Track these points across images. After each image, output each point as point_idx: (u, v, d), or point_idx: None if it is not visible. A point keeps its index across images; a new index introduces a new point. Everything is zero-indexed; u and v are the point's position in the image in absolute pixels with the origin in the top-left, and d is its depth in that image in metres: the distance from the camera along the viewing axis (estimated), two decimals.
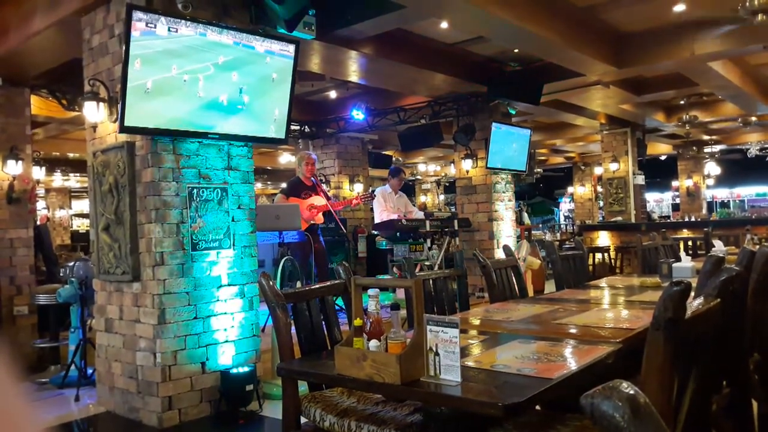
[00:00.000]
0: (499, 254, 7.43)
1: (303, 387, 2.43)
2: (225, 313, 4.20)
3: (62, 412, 4.36)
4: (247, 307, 4.34)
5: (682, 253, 4.76)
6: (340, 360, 1.95)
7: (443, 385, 1.75)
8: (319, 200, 6.39)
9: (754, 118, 11.55)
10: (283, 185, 6.95)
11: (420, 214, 7.21)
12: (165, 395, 3.87)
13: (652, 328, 1.38)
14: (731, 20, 6.22)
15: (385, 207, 7.31)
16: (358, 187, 10.13)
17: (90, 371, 4.83)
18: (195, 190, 4.09)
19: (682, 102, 10.49)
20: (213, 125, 4.08)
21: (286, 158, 12.76)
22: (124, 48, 3.68)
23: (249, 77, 4.24)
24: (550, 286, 7.17)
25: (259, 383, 4.24)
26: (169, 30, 3.79)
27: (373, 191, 7.33)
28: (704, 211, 15.44)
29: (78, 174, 13.94)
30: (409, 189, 19.88)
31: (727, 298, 1.74)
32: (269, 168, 14.88)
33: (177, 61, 3.86)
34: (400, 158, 14.74)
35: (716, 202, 21.65)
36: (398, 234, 6.67)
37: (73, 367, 4.89)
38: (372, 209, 8.38)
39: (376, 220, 7.45)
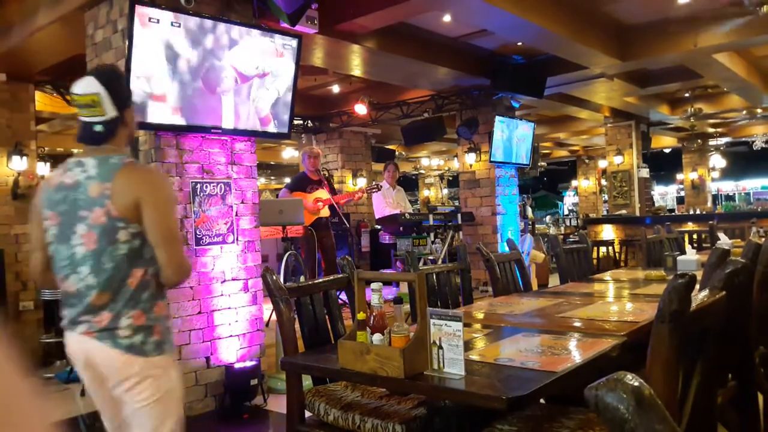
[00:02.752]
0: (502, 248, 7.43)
1: (307, 381, 2.43)
2: (229, 308, 4.21)
3: (68, 408, 4.39)
4: (250, 301, 4.35)
5: (687, 246, 4.74)
6: (343, 354, 1.95)
7: (447, 378, 1.75)
8: (324, 194, 6.38)
9: (759, 111, 11.48)
10: (287, 180, 6.95)
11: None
12: None
13: (656, 320, 1.38)
14: (736, 12, 6.18)
15: (386, 203, 7.32)
16: (361, 182, 10.12)
17: None
18: (198, 185, 4.10)
19: (686, 94, 10.43)
20: (216, 120, 4.08)
21: (289, 153, 12.75)
22: (127, 43, 3.68)
23: (251, 70, 4.23)
24: (554, 280, 7.16)
25: (264, 377, 4.25)
26: (172, 25, 3.78)
27: (378, 184, 7.32)
28: (709, 204, 15.38)
29: None
30: (413, 183, 19.87)
31: (733, 291, 1.73)
32: (272, 163, 14.86)
33: (180, 56, 3.85)
34: (404, 152, 14.72)
35: (721, 194, 21.57)
36: (401, 228, 6.67)
37: None
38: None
39: (377, 216, 7.45)
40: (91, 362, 1.89)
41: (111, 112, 1.93)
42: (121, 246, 1.86)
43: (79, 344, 1.92)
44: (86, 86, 1.92)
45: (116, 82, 2.00)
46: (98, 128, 1.92)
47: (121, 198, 1.85)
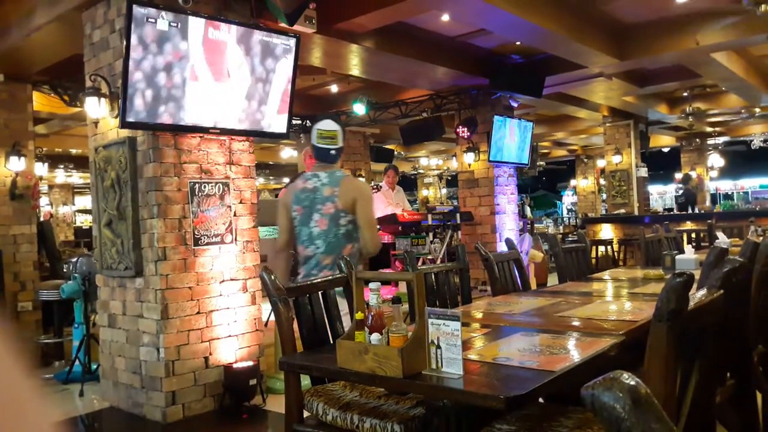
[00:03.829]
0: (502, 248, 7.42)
1: (306, 381, 2.43)
2: (228, 308, 4.21)
3: (67, 408, 4.39)
4: (249, 301, 4.35)
5: (686, 246, 4.74)
6: (342, 354, 1.94)
7: (445, 378, 1.74)
8: None
9: (757, 110, 11.49)
10: (286, 180, 6.94)
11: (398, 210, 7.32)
12: (168, 390, 3.88)
13: (655, 319, 1.38)
14: (735, 11, 6.18)
15: (387, 202, 7.32)
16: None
17: (94, 367, 4.85)
18: (197, 185, 4.09)
19: (685, 94, 10.43)
20: (214, 120, 4.07)
21: (287, 153, 12.74)
22: (124, 43, 3.67)
23: (250, 70, 4.23)
24: (552, 279, 7.16)
25: (262, 378, 4.25)
26: (169, 24, 3.78)
27: (377, 185, 7.32)
28: (707, 203, 15.39)
29: (81, 170, 13.94)
30: (412, 183, 19.87)
31: (731, 290, 1.73)
32: (271, 163, 14.86)
33: (178, 56, 3.84)
34: (402, 152, 14.71)
35: (720, 194, 21.58)
36: (400, 228, 6.67)
37: (77, 362, 4.91)
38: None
39: (377, 216, 7.45)
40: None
41: (341, 143, 3.13)
42: (342, 228, 3.00)
43: None
44: (331, 125, 3.12)
45: (343, 126, 3.26)
46: (333, 152, 3.10)
47: (344, 197, 3.00)
